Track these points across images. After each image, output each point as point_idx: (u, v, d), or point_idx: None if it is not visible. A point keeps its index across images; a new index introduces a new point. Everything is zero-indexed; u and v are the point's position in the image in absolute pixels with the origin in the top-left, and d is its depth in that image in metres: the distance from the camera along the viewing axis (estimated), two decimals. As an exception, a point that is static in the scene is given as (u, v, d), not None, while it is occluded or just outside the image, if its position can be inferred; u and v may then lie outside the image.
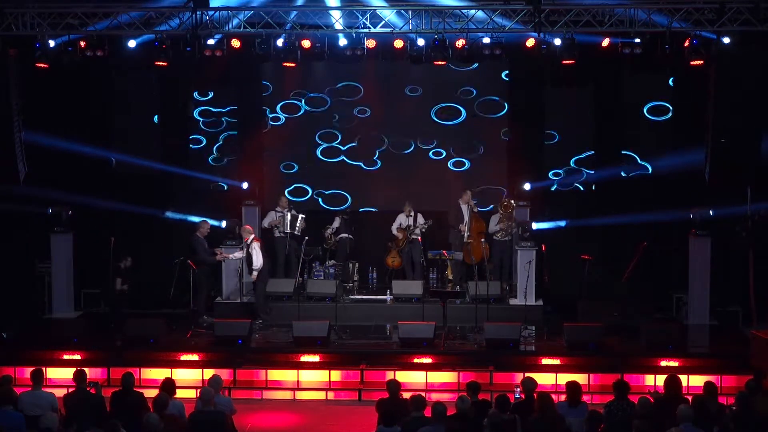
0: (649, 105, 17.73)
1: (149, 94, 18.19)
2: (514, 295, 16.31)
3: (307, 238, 16.45)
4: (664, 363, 13.77)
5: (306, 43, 15.01)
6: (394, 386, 10.56)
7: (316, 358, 14.11)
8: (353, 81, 18.20)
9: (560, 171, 18.04)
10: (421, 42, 14.99)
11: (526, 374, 11.86)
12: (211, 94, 18.38)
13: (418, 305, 15.62)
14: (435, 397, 12.85)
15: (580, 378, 12.81)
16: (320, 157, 18.47)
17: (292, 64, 15.58)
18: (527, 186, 17.41)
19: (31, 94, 16.37)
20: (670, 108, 17.66)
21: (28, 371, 11.62)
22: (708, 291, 15.80)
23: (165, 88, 18.09)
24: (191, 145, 18.42)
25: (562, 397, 10.52)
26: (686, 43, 14.48)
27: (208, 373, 12.59)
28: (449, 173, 18.30)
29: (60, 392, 11.13)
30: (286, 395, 13.74)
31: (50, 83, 16.38)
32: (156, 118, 18.25)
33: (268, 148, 18.54)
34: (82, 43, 14.98)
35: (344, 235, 17.38)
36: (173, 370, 13.70)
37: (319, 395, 13.72)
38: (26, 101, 16.29)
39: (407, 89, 18.18)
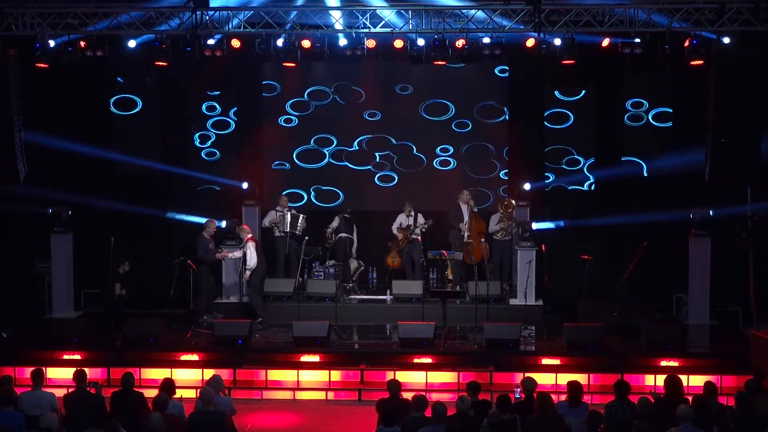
0: (649, 105, 17.74)
1: (149, 94, 18.19)
2: (514, 295, 16.31)
3: (307, 238, 16.46)
4: (664, 363, 13.76)
5: (306, 43, 15.01)
6: (395, 386, 10.56)
7: (316, 358, 14.11)
8: (353, 81, 18.20)
9: (560, 171, 18.03)
10: (421, 42, 14.99)
11: (526, 374, 11.86)
12: (211, 94, 18.36)
13: (418, 305, 15.62)
14: (435, 397, 12.84)
15: (580, 378, 12.76)
16: (323, 149, 18.50)
17: (292, 64, 15.58)
18: (527, 186, 17.40)
19: (31, 94, 16.37)
20: (670, 108, 17.65)
21: (28, 371, 11.65)
22: (708, 291, 15.80)
23: (165, 88, 18.08)
24: (191, 145, 18.41)
25: (562, 397, 10.52)
26: (686, 43, 14.48)
27: (208, 373, 12.60)
28: (449, 173, 18.29)
29: (60, 392, 11.12)
30: (286, 395, 13.74)
31: (50, 83, 16.38)
32: (156, 116, 18.28)
33: (269, 148, 18.54)
34: (82, 43, 14.98)
35: (343, 234, 17.38)
36: (173, 370, 13.70)
37: (319, 395, 13.71)
38: (26, 101, 16.28)
39: (407, 89, 18.18)
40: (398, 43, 15.08)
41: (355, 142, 18.42)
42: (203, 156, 18.43)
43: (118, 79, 18.04)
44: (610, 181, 17.55)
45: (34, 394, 10.48)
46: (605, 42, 14.97)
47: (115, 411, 10.11)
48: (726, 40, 14.40)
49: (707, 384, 10.62)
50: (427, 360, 13.99)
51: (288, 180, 18.49)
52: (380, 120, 18.32)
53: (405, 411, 9.84)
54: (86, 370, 11.03)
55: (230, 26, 14.96)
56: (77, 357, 14.15)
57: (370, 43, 15.08)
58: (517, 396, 10.98)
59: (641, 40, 14.52)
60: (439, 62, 15.32)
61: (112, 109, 18.13)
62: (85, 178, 17.23)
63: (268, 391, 13.78)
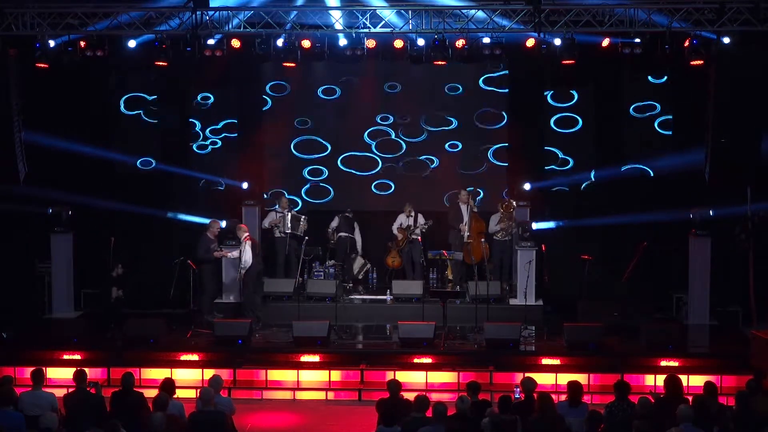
0: (649, 105, 17.73)
1: (150, 94, 18.20)
2: (514, 295, 16.31)
3: (306, 238, 16.47)
4: (664, 363, 13.76)
5: (306, 43, 15.00)
6: (395, 386, 10.56)
7: (316, 358, 14.11)
8: (353, 81, 18.20)
9: (560, 171, 18.04)
10: (421, 42, 14.98)
11: (526, 374, 11.86)
12: (211, 94, 18.36)
13: (418, 305, 15.62)
14: (435, 397, 12.84)
15: (580, 378, 12.75)
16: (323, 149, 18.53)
17: (292, 64, 15.59)
18: (527, 186, 17.41)
19: (31, 94, 16.37)
20: (670, 108, 17.65)
21: (28, 371, 11.64)
22: (708, 291, 15.79)
23: (165, 88, 18.08)
24: (191, 145, 18.42)
25: (562, 397, 10.52)
26: (686, 43, 14.47)
27: (208, 373, 12.59)
28: (449, 173, 18.29)
29: (60, 392, 11.12)
30: (286, 395, 13.74)
31: (50, 83, 16.37)
32: (156, 116, 18.29)
33: (269, 147, 18.55)
34: (82, 43, 14.97)
35: (343, 233, 17.39)
36: (173, 370, 13.69)
37: (319, 395, 13.71)
38: (26, 101, 16.28)
39: (407, 89, 18.18)
40: (398, 43, 15.07)
41: (353, 142, 18.44)
42: (203, 156, 18.42)
43: (136, 80, 18.06)
44: (610, 181, 17.56)
45: (34, 394, 10.48)
46: (605, 42, 14.97)
47: (115, 411, 10.11)
48: (726, 40, 14.39)
49: (707, 384, 10.62)
50: (427, 360, 13.99)
51: (288, 180, 18.51)
52: (380, 120, 18.32)
53: (405, 411, 9.84)
54: (86, 370, 11.02)
55: (230, 26, 14.95)
56: (77, 357, 14.15)
57: (370, 43, 15.08)
58: (517, 396, 10.99)
59: (641, 40, 14.52)
60: (439, 62, 15.32)
61: (123, 109, 18.14)
62: (85, 178, 17.22)
63: (268, 391, 13.78)
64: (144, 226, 17.56)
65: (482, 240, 16.85)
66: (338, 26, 15.00)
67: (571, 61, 14.75)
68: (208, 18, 14.70)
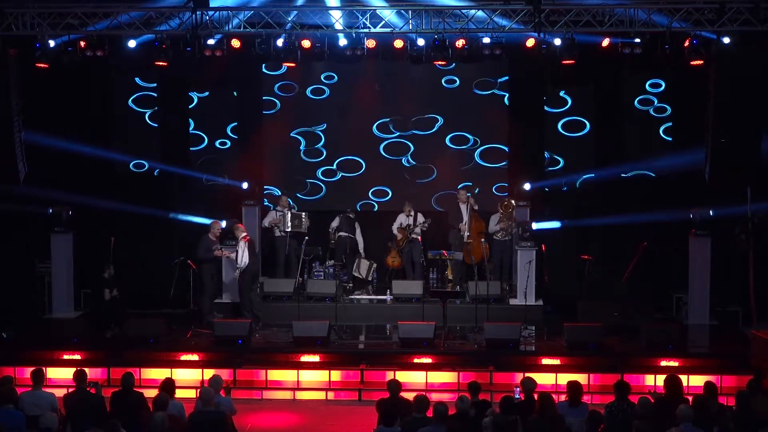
0: (649, 105, 17.74)
1: (150, 95, 18.21)
2: (514, 295, 16.32)
3: (307, 238, 16.46)
4: (664, 363, 13.76)
5: (306, 43, 15.00)
6: (395, 386, 10.55)
7: (316, 358, 14.11)
8: (353, 81, 18.22)
9: (560, 171, 18.04)
10: (421, 42, 14.98)
11: (526, 374, 11.86)
12: (211, 94, 18.36)
13: (418, 305, 15.63)
14: (435, 397, 12.84)
15: (580, 378, 12.77)
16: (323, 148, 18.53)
17: (292, 64, 15.58)
18: (527, 186, 17.41)
19: (31, 94, 16.37)
20: (670, 108, 17.65)
21: (28, 371, 11.63)
22: (708, 291, 15.79)
23: (165, 88, 18.08)
24: (191, 146, 18.42)
25: (562, 397, 10.52)
26: (686, 43, 14.47)
27: (208, 373, 12.60)
28: (449, 173, 18.29)
29: (60, 392, 11.12)
30: (286, 395, 13.74)
31: (50, 83, 16.37)
32: (156, 116, 18.30)
33: (269, 147, 18.57)
34: (82, 43, 14.98)
35: (343, 233, 17.40)
36: (173, 370, 13.70)
37: (319, 395, 13.72)
38: (26, 101, 16.28)
39: (407, 89, 18.18)
40: (398, 43, 15.07)
41: (353, 142, 18.45)
42: (203, 156, 18.42)
43: (136, 79, 18.05)
44: (610, 181, 17.54)
45: (34, 394, 10.47)
46: (605, 42, 14.97)
47: (115, 411, 10.11)
48: (726, 40, 14.39)
49: (707, 384, 10.62)
50: (427, 360, 13.99)
51: (288, 180, 18.52)
52: (379, 120, 18.32)
53: (405, 411, 9.84)
54: (86, 370, 11.03)
55: (230, 26, 14.96)
56: (77, 357, 14.15)
57: (370, 43, 15.08)
58: (517, 396, 10.98)
59: (641, 40, 14.52)
60: (439, 62, 15.31)
61: (122, 109, 18.15)
62: (85, 178, 17.22)
63: (268, 391, 13.78)
64: (144, 226, 17.56)
65: (482, 240, 16.85)
66: (338, 26, 15.00)
67: (571, 61, 14.75)
68: (208, 18, 14.71)
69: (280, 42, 15.02)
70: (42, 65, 15.03)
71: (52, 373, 13.62)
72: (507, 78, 17.99)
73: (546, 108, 17.94)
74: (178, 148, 18.29)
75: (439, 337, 14.42)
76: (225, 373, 13.10)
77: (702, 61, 14.75)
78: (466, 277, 16.89)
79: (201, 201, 17.88)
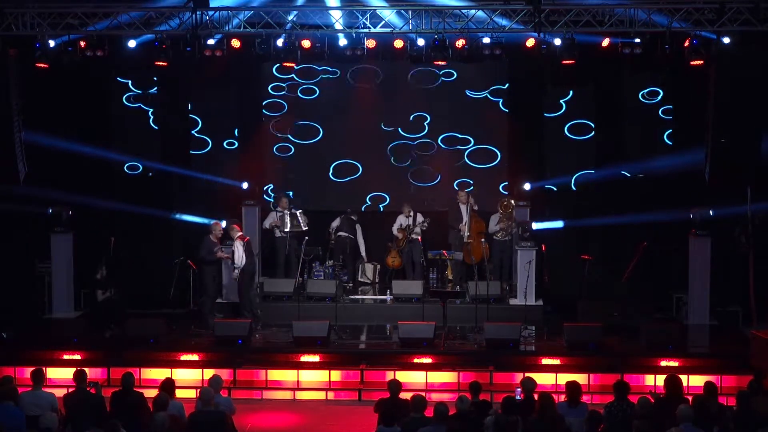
0: (649, 105, 17.74)
1: (150, 95, 18.22)
2: (514, 295, 16.32)
3: (307, 238, 16.46)
4: (664, 363, 13.77)
5: (306, 43, 15.00)
6: (396, 386, 10.55)
7: (316, 358, 14.11)
8: (353, 81, 18.22)
9: (560, 171, 18.04)
10: (421, 42, 14.97)
11: (526, 374, 11.86)
12: (210, 94, 18.36)
13: (418, 305, 15.63)
14: (435, 397, 12.87)
15: (580, 378, 12.80)
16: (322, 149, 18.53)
17: (292, 64, 15.58)
18: (527, 186, 17.41)
19: (31, 94, 16.35)
20: (670, 108, 17.65)
21: (28, 371, 11.63)
22: (708, 291, 15.78)
23: (165, 88, 18.08)
24: (191, 146, 18.43)
25: (562, 397, 10.52)
26: (686, 43, 14.47)
27: (208, 373, 12.59)
28: (449, 173, 18.30)
29: (60, 392, 11.12)
30: (286, 395, 13.74)
31: (50, 83, 16.37)
32: (156, 116, 18.30)
33: (269, 147, 18.58)
34: (82, 43, 14.97)
35: (342, 233, 17.40)
36: (173, 370, 13.70)
37: (319, 395, 13.72)
38: (26, 101, 16.26)
39: (407, 88, 18.19)
40: (398, 43, 15.07)
41: (354, 141, 18.45)
42: (203, 156, 18.42)
43: (136, 79, 18.06)
44: (609, 181, 17.55)
45: (34, 394, 10.47)
46: (605, 42, 14.97)
47: (115, 411, 10.10)
48: (726, 40, 14.39)
49: (707, 384, 10.62)
50: (427, 360, 14.00)
51: (287, 180, 18.53)
52: (379, 120, 18.32)
53: (405, 411, 9.84)
54: (86, 370, 11.03)
55: (230, 26, 14.95)
56: (77, 357, 14.15)
57: (370, 43, 15.07)
58: (518, 397, 10.97)
59: (641, 40, 14.51)
60: (439, 62, 15.31)
61: (122, 109, 18.17)
62: (85, 178, 17.22)
63: (268, 391, 13.78)
64: (144, 226, 17.56)
65: (482, 240, 16.85)
66: (338, 26, 15.00)
67: (571, 61, 14.74)
68: (208, 18, 14.70)
69: (280, 42, 15.02)
70: (42, 65, 15.02)
71: (52, 373, 13.62)
72: (507, 78, 17.99)
73: (545, 108, 17.93)
74: (178, 148, 18.28)
75: (439, 337, 14.42)
76: (225, 373, 13.13)
77: (702, 61, 14.74)
78: (466, 277, 16.90)
79: (201, 201, 17.88)
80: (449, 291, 16.11)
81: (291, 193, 18.17)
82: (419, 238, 17.12)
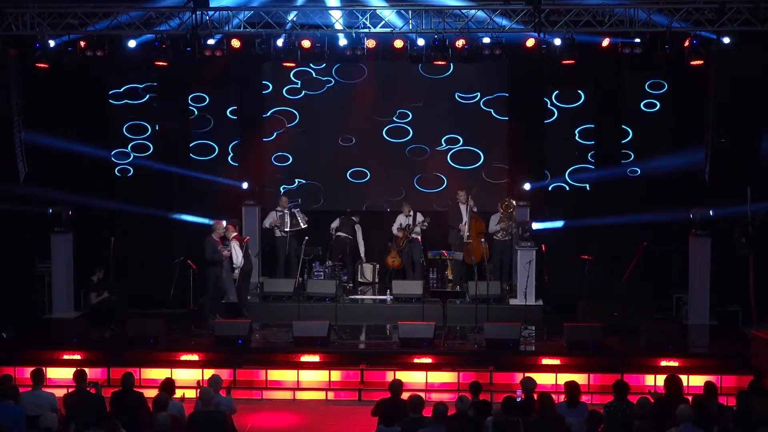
0: (649, 105, 17.74)
1: (149, 95, 18.22)
2: (514, 295, 16.32)
3: (307, 238, 16.46)
4: (664, 363, 13.76)
5: (306, 43, 15.00)
6: (397, 387, 10.53)
7: (316, 358, 14.11)
8: (353, 81, 18.23)
9: (560, 171, 18.05)
10: (421, 42, 14.97)
11: (526, 374, 11.85)
12: (210, 94, 18.37)
13: (418, 305, 15.62)
14: (435, 397, 12.88)
15: (580, 378, 12.82)
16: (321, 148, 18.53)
17: (292, 64, 15.58)
18: (527, 186, 17.41)
19: (31, 94, 16.35)
20: (670, 108, 17.65)
21: (28, 371, 11.62)
22: (708, 291, 15.78)
23: (165, 88, 18.09)
24: (191, 145, 18.43)
25: (562, 398, 10.51)
26: (686, 43, 14.47)
27: (208, 373, 12.56)
28: (449, 173, 18.30)
29: (60, 392, 11.12)
30: (286, 395, 13.74)
31: (50, 83, 16.37)
32: (156, 116, 18.30)
33: (269, 147, 18.58)
34: (82, 43, 14.97)
35: (341, 234, 17.41)
36: (173, 370, 13.69)
37: (319, 395, 13.71)
38: (26, 101, 16.26)
39: (407, 88, 18.19)
40: (398, 43, 15.07)
41: (353, 141, 18.44)
42: (203, 156, 18.43)
43: (136, 79, 18.06)
44: (609, 181, 17.55)
45: (34, 394, 10.47)
46: (605, 42, 14.97)
47: (115, 411, 10.11)
48: (726, 40, 14.38)
49: (707, 384, 10.61)
50: (427, 360, 13.99)
51: (286, 181, 18.54)
52: (379, 119, 18.33)
53: (405, 412, 9.84)
54: (86, 370, 11.03)
55: (230, 26, 14.95)
56: (77, 357, 14.15)
57: (370, 43, 15.07)
58: (518, 399, 10.96)
59: (641, 40, 14.51)
60: (439, 62, 15.30)
61: (122, 109, 18.19)
62: (85, 178, 17.22)
63: (268, 391, 13.78)
64: (144, 226, 17.56)
65: (482, 240, 16.85)
66: (338, 26, 14.99)
67: (571, 61, 14.74)
68: (208, 18, 14.70)
69: (280, 42, 15.02)
70: (42, 65, 15.02)
71: (52, 373, 13.62)
72: (506, 78, 17.99)
73: (545, 108, 17.94)
74: (178, 148, 18.29)
75: (439, 337, 14.42)
76: (225, 373, 13.11)
77: (702, 61, 14.74)
78: (466, 277, 16.90)
79: (201, 201, 17.88)
80: (449, 291, 16.11)
81: (282, 189, 18.18)
82: (419, 238, 17.12)
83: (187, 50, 14.75)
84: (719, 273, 16.07)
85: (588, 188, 18.02)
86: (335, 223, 17.52)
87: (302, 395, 13.73)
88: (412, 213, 17.22)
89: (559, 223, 17.52)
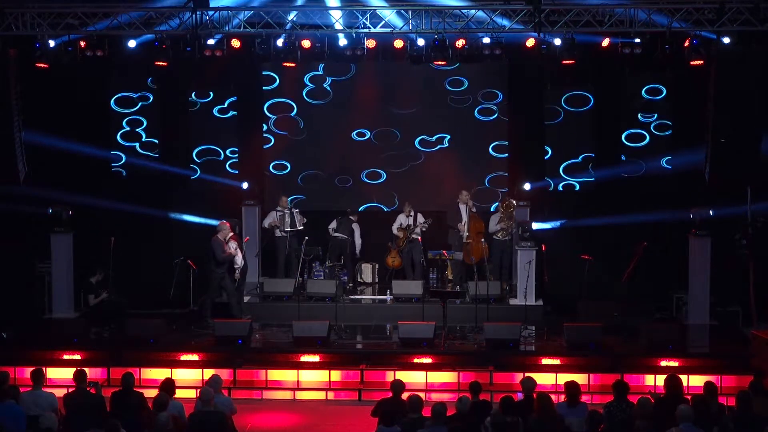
0: (649, 105, 17.74)
1: (150, 95, 18.22)
2: (514, 295, 16.32)
3: (307, 238, 16.46)
4: (664, 363, 13.76)
5: (306, 43, 15.00)
6: (398, 387, 10.53)
7: (316, 358, 14.11)
8: (353, 81, 18.23)
9: (560, 171, 18.05)
10: (421, 42, 14.97)
11: (526, 374, 11.85)
12: (211, 94, 18.38)
13: (418, 305, 15.62)
14: (435, 397, 12.88)
15: (580, 378, 12.82)
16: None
17: (292, 64, 15.58)
18: (527, 186, 17.41)
19: (31, 94, 16.36)
20: (670, 108, 17.65)
21: (28, 371, 11.61)
22: (708, 291, 15.76)
23: (165, 88, 18.09)
24: (190, 145, 18.43)
25: (562, 397, 10.51)
26: (686, 43, 14.47)
27: (208, 373, 12.58)
28: (449, 173, 18.30)
29: (60, 392, 11.11)
30: (286, 395, 13.73)
31: (50, 83, 16.37)
32: (156, 116, 18.30)
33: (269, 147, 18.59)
34: (82, 43, 14.98)
35: (339, 234, 17.41)
36: (173, 370, 13.69)
37: (319, 395, 13.71)
38: (26, 101, 16.27)
39: (407, 88, 18.19)
40: (398, 43, 15.06)
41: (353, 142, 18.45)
42: (203, 156, 18.42)
43: (136, 79, 18.06)
44: (609, 181, 17.56)
45: (34, 394, 10.46)
46: (605, 42, 14.97)
47: (115, 411, 10.11)
48: (726, 40, 14.38)
49: (707, 384, 10.60)
50: (427, 360, 13.99)
51: (288, 180, 18.53)
52: (379, 119, 18.33)
53: (404, 411, 9.83)
54: (86, 370, 11.02)
55: (230, 26, 14.95)
56: (77, 357, 14.14)
57: (370, 43, 15.07)
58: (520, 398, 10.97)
59: (641, 40, 14.52)
60: (439, 62, 15.30)
61: (122, 108, 18.16)
62: (85, 178, 17.22)
63: (268, 391, 13.77)
64: (144, 226, 17.56)
65: (482, 240, 16.85)
66: (338, 26, 14.99)
67: (571, 61, 14.75)
68: (208, 18, 14.71)
69: (280, 42, 15.02)
70: (42, 65, 15.02)
71: (52, 373, 13.61)
72: (506, 78, 18.00)
73: (546, 108, 17.94)
74: (178, 147, 18.28)
75: (439, 337, 14.42)
76: (225, 373, 13.12)
77: (702, 61, 14.74)
78: (466, 277, 16.90)
79: (201, 201, 17.88)
80: (449, 291, 16.10)
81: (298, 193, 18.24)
82: (419, 238, 17.12)
83: (187, 50, 14.75)
84: (719, 273, 16.05)
85: (588, 188, 18.00)
86: (333, 224, 17.52)
87: (302, 395, 13.72)
88: (412, 213, 17.22)
89: (559, 223, 17.51)
